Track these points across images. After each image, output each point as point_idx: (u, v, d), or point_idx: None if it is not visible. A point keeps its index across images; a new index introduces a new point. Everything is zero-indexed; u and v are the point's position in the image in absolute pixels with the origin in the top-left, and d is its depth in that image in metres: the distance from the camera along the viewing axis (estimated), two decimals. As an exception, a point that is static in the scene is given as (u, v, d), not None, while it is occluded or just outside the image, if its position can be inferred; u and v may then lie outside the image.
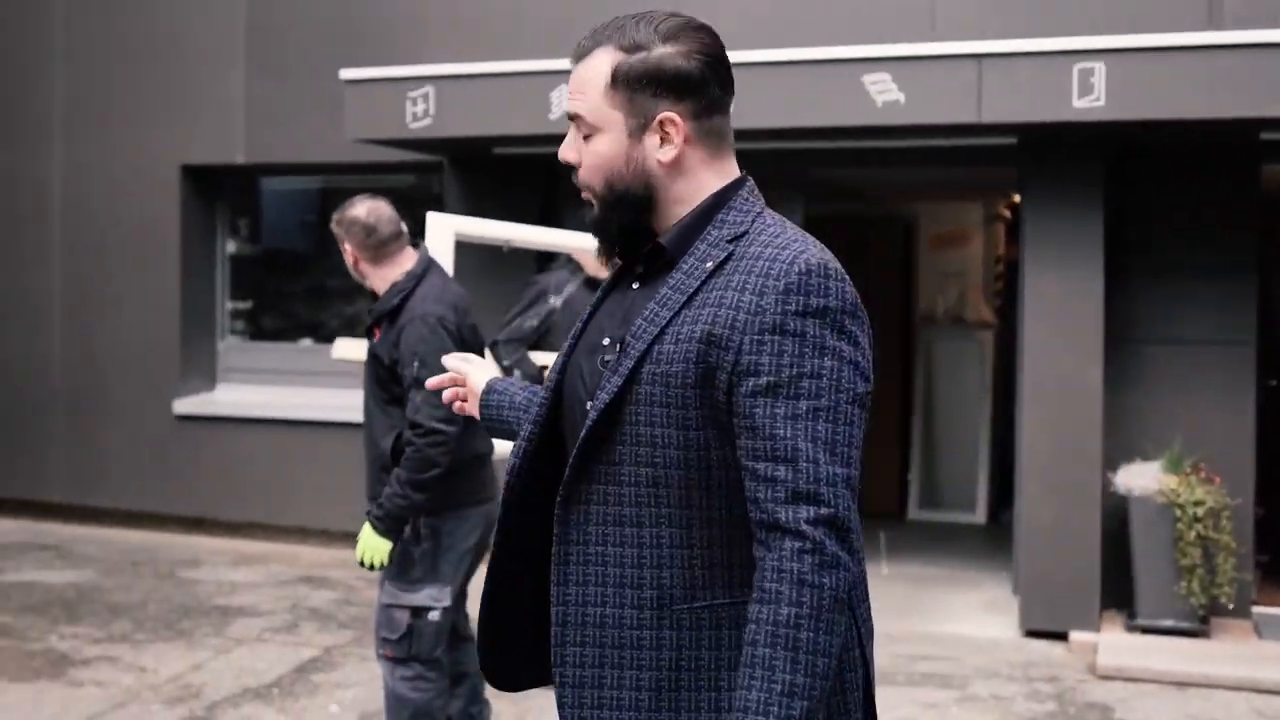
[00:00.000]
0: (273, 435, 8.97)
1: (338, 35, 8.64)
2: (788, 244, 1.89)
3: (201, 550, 8.71)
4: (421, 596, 4.32)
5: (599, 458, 1.92)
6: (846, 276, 1.88)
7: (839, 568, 1.78)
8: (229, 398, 9.35)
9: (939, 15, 7.36)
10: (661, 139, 2.00)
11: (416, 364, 4.14)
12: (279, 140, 8.90)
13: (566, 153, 2.05)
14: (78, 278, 9.49)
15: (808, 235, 1.95)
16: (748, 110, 7.03)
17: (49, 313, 9.57)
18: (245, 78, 8.97)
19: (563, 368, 2.10)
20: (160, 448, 9.27)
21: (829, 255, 1.89)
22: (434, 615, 4.33)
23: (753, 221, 1.97)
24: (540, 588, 2.06)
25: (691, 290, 1.91)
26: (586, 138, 2.01)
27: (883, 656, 6.40)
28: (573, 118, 2.02)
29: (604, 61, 1.98)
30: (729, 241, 1.94)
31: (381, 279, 4.38)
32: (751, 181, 2.05)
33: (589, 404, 1.97)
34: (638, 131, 1.99)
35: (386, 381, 4.30)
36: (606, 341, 2.02)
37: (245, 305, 9.70)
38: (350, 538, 8.05)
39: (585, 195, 2.05)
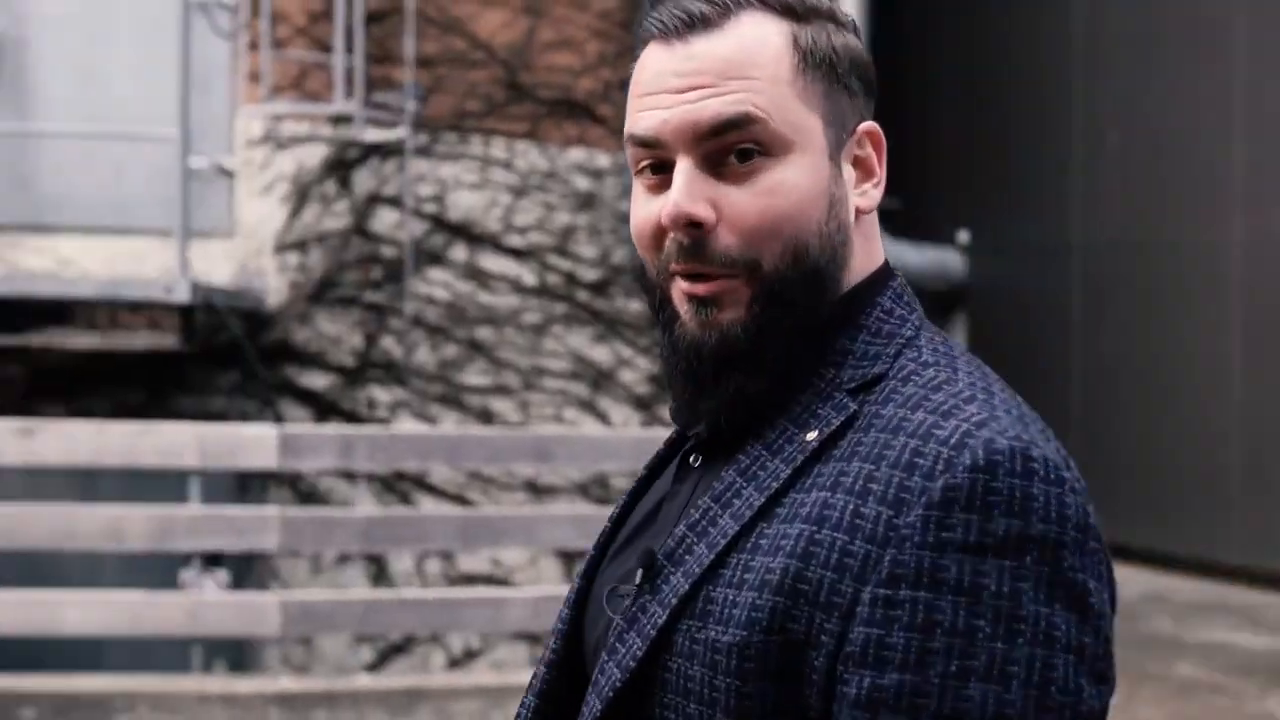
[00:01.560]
0: None
1: None
2: (954, 405, 1.00)
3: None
4: None
5: None
6: (1070, 467, 0.98)
7: None
8: None
9: None
10: (861, 170, 1.12)
11: None
12: None
13: (691, 205, 1.05)
14: (1257, 343, 9.60)
15: (996, 382, 1.05)
16: None
17: (1227, 378, 9.79)
18: None
19: (586, 582, 1.22)
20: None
21: (1035, 428, 1.00)
22: None
23: (897, 355, 1.07)
24: None
25: (775, 485, 1.04)
26: (742, 169, 1.06)
27: None
28: (720, 131, 1.05)
29: (770, 29, 1.06)
30: (851, 393, 1.06)
31: None
32: (901, 276, 1.14)
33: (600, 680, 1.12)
34: (837, 153, 1.10)
35: None
36: (632, 564, 1.15)
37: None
38: None
39: (687, 288, 1.08)
